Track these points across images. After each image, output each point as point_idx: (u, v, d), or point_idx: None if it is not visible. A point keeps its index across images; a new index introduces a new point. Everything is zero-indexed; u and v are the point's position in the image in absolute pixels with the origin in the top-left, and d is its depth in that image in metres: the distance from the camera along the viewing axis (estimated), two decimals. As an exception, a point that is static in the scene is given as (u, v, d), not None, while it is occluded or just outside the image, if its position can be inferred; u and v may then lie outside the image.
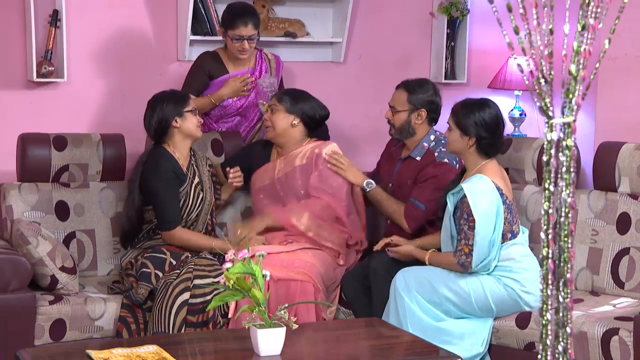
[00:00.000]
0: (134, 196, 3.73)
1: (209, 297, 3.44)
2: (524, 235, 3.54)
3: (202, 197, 3.78)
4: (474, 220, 3.34)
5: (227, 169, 3.99)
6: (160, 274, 3.56)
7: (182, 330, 3.41)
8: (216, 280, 3.47)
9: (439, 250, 3.64)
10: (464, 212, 3.37)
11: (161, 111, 3.73)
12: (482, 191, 3.38)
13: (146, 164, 3.73)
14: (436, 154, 3.80)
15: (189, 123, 3.75)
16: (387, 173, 3.94)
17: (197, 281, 3.47)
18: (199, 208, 3.77)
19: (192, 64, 4.34)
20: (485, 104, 3.53)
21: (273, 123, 3.94)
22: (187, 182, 3.76)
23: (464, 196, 3.37)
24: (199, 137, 3.83)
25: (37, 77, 4.21)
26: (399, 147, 3.94)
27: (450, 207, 3.45)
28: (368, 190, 3.87)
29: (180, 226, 3.70)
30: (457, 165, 3.79)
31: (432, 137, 3.83)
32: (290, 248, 3.72)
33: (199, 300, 3.45)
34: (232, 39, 4.17)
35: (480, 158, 3.49)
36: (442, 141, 3.80)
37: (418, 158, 3.82)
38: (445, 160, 3.78)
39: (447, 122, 3.55)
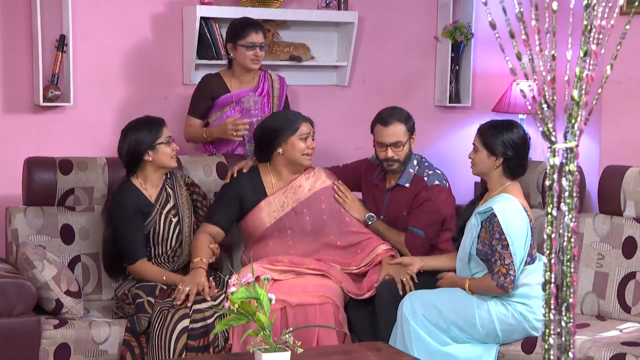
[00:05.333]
0: (106, 227, 3.76)
1: (209, 321, 3.43)
2: (540, 263, 3.50)
3: (178, 220, 3.74)
4: (506, 239, 3.32)
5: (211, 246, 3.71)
6: (152, 300, 3.55)
7: (183, 356, 3.40)
8: (215, 302, 3.47)
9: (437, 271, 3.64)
10: (495, 232, 3.33)
11: (133, 142, 3.67)
12: (512, 211, 3.36)
13: (112, 199, 3.73)
14: (425, 178, 3.78)
15: (162, 155, 3.68)
16: (376, 206, 3.90)
17: (197, 306, 3.46)
18: (175, 232, 3.74)
19: (195, 88, 4.37)
20: (512, 124, 3.53)
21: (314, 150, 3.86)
22: (155, 212, 3.71)
23: (494, 216, 3.34)
24: (173, 167, 3.76)
25: (43, 102, 4.23)
26: (382, 178, 3.91)
27: (476, 226, 3.41)
28: (369, 223, 3.86)
29: (142, 260, 3.67)
30: (447, 185, 3.80)
31: (415, 162, 3.82)
32: (296, 269, 3.70)
33: (199, 324, 3.42)
34: (245, 48, 4.19)
35: (506, 179, 3.48)
36: (425, 164, 3.84)
37: (407, 185, 3.80)
38: (436, 182, 3.77)
39: (473, 144, 3.53)
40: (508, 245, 3.31)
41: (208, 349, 3.42)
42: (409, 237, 3.77)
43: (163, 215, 3.73)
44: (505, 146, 3.45)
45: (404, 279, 3.60)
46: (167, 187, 3.79)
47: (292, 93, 4.65)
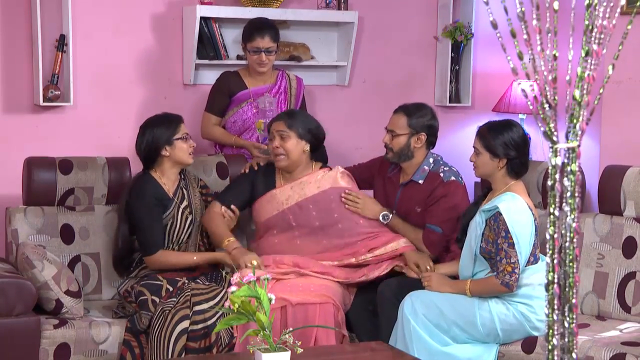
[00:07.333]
0: (121, 223, 3.75)
1: (210, 322, 3.43)
2: (542, 263, 3.50)
3: (191, 219, 3.77)
4: (512, 238, 3.31)
5: (223, 208, 3.82)
6: (157, 300, 3.55)
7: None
8: (215, 301, 3.47)
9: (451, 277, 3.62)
10: (500, 230, 3.32)
11: (150, 137, 3.70)
12: (518, 210, 3.36)
13: (131, 191, 3.73)
14: (442, 174, 3.79)
15: (179, 151, 3.71)
16: (387, 200, 3.90)
17: (197, 307, 3.45)
18: (189, 230, 3.77)
19: (213, 85, 4.40)
20: (511, 124, 3.52)
21: (287, 151, 3.79)
22: (173, 206, 3.73)
23: (499, 214, 3.33)
24: (189, 164, 3.79)
25: (43, 101, 4.23)
26: (397, 172, 3.91)
27: (480, 224, 3.41)
28: (385, 222, 3.84)
29: (162, 250, 3.69)
30: (463, 182, 3.81)
31: (431, 160, 3.84)
32: (300, 270, 3.70)
33: (200, 326, 3.42)
34: (250, 52, 4.23)
35: (510, 178, 3.47)
36: (441, 162, 3.84)
37: (421, 181, 3.81)
38: (452, 178, 3.78)
39: (474, 147, 3.52)
40: (514, 243, 3.31)
41: (210, 350, 3.41)
42: (427, 234, 3.78)
43: (180, 210, 3.74)
44: (507, 147, 3.44)
45: (428, 267, 3.66)
46: (182, 186, 3.81)
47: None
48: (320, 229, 3.81)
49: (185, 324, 3.40)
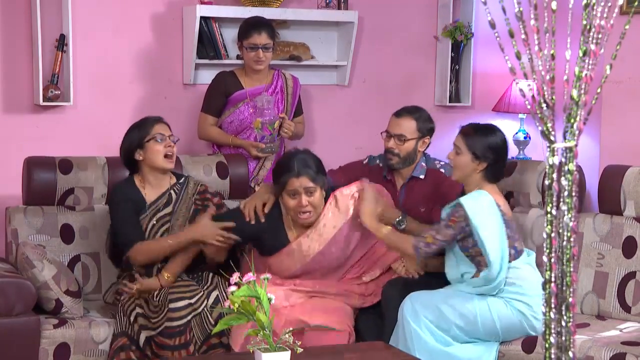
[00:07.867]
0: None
1: (185, 320, 3.41)
2: (530, 257, 3.51)
3: (168, 228, 3.65)
4: (454, 222, 3.33)
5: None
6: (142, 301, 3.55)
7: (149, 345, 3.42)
8: (192, 301, 3.45)
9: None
10: (452, 213, 3.35)
11: (127, 142, 3.67)
12: (480, 203, 3.36)
13: (110, 193, 3.73)
14: (442, 170, 3.81)
15: (150, 153, 3.62)
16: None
17: (172, 305, 3.42)
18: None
19: (209, 85, 4.38)
20: (494, 128, 3.53)
21: (315, 206, 3.54)
22: (148, 213, 3.67)
23: (459, 205, 3.35)
24: (166, 169, 3.67)
25: (43, 101, 4.24)
26: (391, 174, 3.88)
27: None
28: (401, 227, 3.68)
29: (139, 242, 3.60)
30: None
31: (423, 157, 3.86)
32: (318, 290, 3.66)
33: (175, 323, 3.41)
34: (247, 49, 4.23)
35: (484, 182, 3.47)
36: (430, 157, 3.88)
37: (422, 176, 3.82)
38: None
39: (455, 144, 3.50)
40: (451, 227, 3.33)
41: (187, 347, 3.40)
42: None
43: (156, 218, 3.69)
44: (489, 150, 3.44)
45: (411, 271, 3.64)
46: (173, 192, 3.74)
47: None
48: (342, 264, 3.71)
49: (145, 333, 3.43)
